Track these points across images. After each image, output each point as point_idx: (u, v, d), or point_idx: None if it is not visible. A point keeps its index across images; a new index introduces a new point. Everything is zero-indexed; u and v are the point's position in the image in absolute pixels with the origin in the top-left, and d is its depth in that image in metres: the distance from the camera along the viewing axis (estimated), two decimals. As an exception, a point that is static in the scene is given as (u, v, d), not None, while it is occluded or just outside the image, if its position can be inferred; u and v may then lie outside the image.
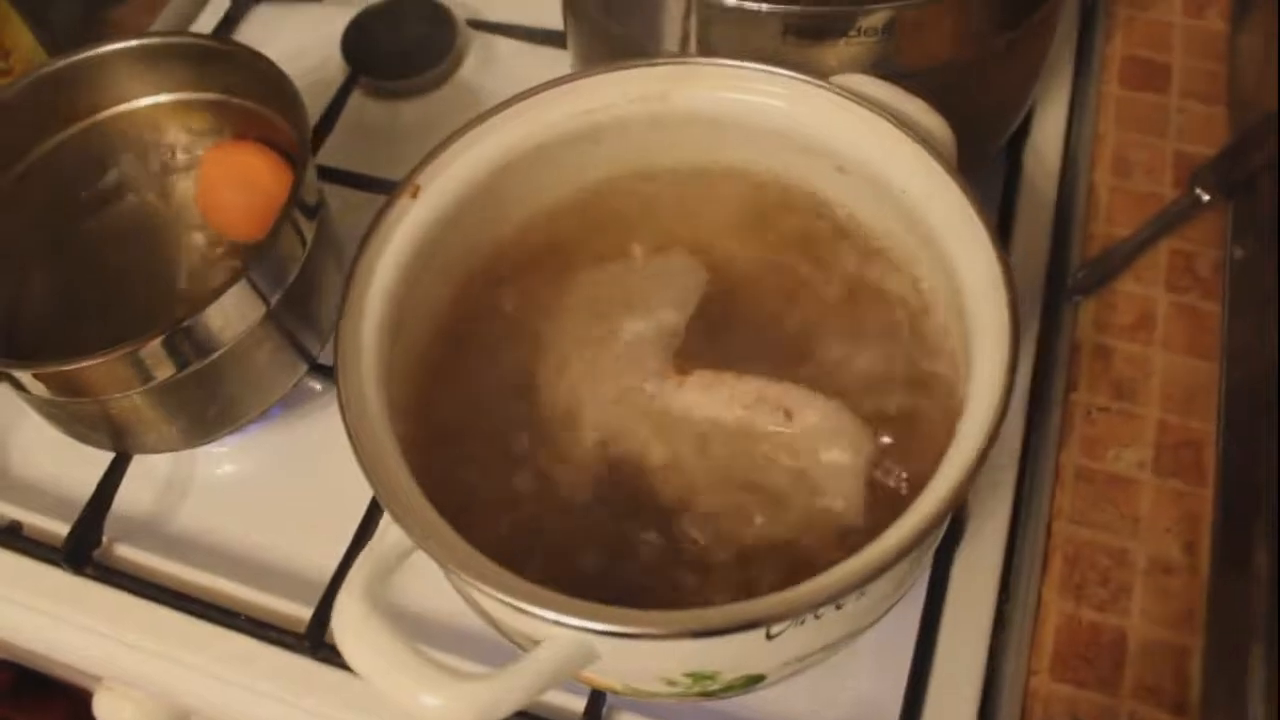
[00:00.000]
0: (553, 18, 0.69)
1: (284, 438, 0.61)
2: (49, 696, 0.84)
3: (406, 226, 0.45)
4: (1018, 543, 0.53)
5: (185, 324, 0.49)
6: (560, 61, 0.69)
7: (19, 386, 0.51)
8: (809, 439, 0.44)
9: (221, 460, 0.61)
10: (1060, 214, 0.62)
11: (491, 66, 0.73)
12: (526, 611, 0.36)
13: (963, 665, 0.50)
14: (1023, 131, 0.65)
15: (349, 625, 0.39)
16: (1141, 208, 0.61)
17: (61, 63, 0.57)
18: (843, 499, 0.43)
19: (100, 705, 0.63)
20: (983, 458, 0.37)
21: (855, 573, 0.36)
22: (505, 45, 0.73)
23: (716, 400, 0.46)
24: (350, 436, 0.39)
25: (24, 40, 0.65)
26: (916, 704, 0.49)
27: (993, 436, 0.38)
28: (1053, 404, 0.56)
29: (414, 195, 0.45)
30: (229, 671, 0.53)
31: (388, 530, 0.40)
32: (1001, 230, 0.61)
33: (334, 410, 0.59)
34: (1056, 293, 0.59)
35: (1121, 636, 0.49)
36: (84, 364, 0.49)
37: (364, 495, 0.55)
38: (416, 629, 0.51)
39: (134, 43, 0.57)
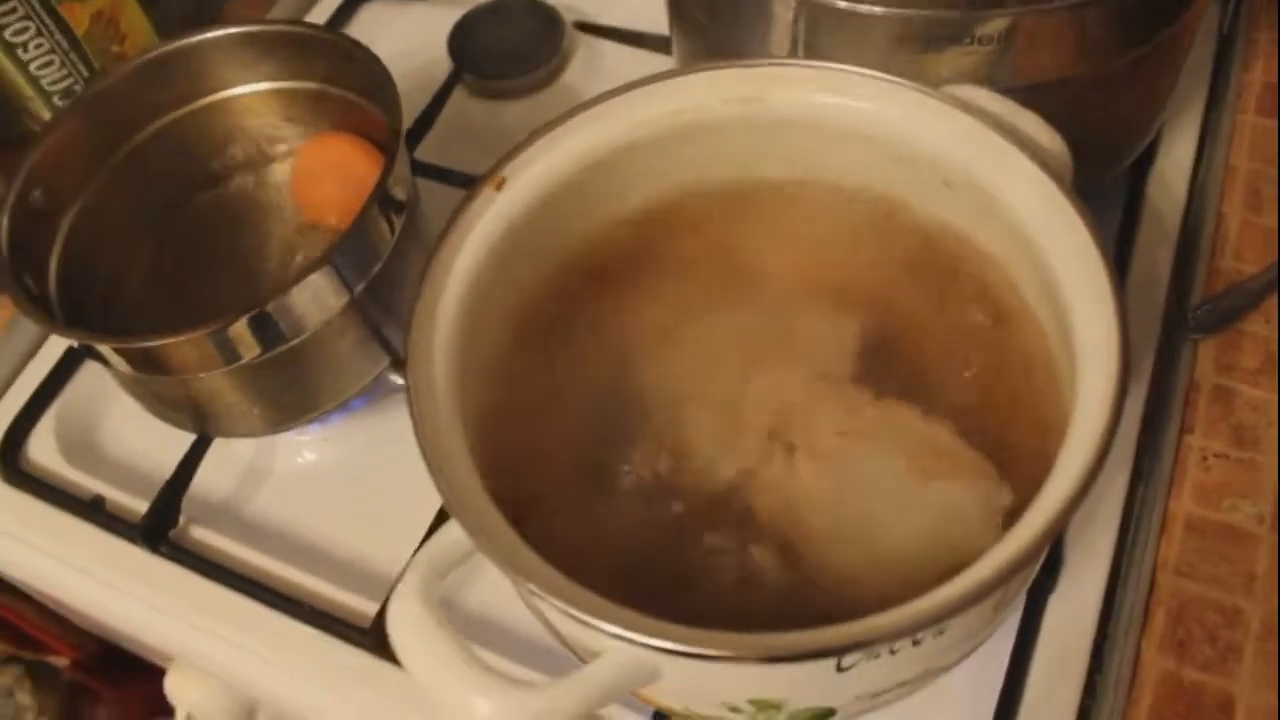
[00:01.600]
0: (660, 22, 0.68)
1: (365, 430, 0.61)
2: (134, 671, 0.85)
3: (489, 218, 0.44)
4: (1117, 592, 0.50)
5: (267, 306, 0.49)
6: (664, 65, 0.67)
7: (103, 360, 0.51)
8: (942, 484, 0.42)
9: (302, 449, 0.61)
10: (1183, 246, 0.59)
11: (596, 70, 0.72)
12: (586, 623, 0.35)
13: (1052, 718, 0.47)
14: (1147, 157, 0.61)
15: (403, 622, 0.38)
16: (1272, 244, 0.57)
17: (168, 47, 0.57)
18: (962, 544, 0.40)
19: (171, 683, 0.64)
20: (1080, 496, 0.35)
21: (934, 608, 0.34)
22: (611, 49, 0.73)
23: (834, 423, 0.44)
24: (416, 431, 0.38)
25: (140, 26, 0.67)
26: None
27: (1092, 474, 0.35)
28: (1165, 446, 0.52)
29: (498, 187, 0.44)
30: (291, 660, 0.53)
31: (449, 529, 0.39)
32: (1119, 259, 0.57)
33: (414, 405, 0.60)
34: (1175, 329, 0.56)
35: (1228, 701, 0.45)
36: (164, 341, 0.49)
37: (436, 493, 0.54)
38: (475, 631, 0.51)
39: (238, 30, 0.58)
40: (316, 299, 0.50)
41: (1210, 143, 0.62)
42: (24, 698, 0.88)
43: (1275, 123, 0.60)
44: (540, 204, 0.45)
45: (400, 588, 0.38)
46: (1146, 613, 0.48)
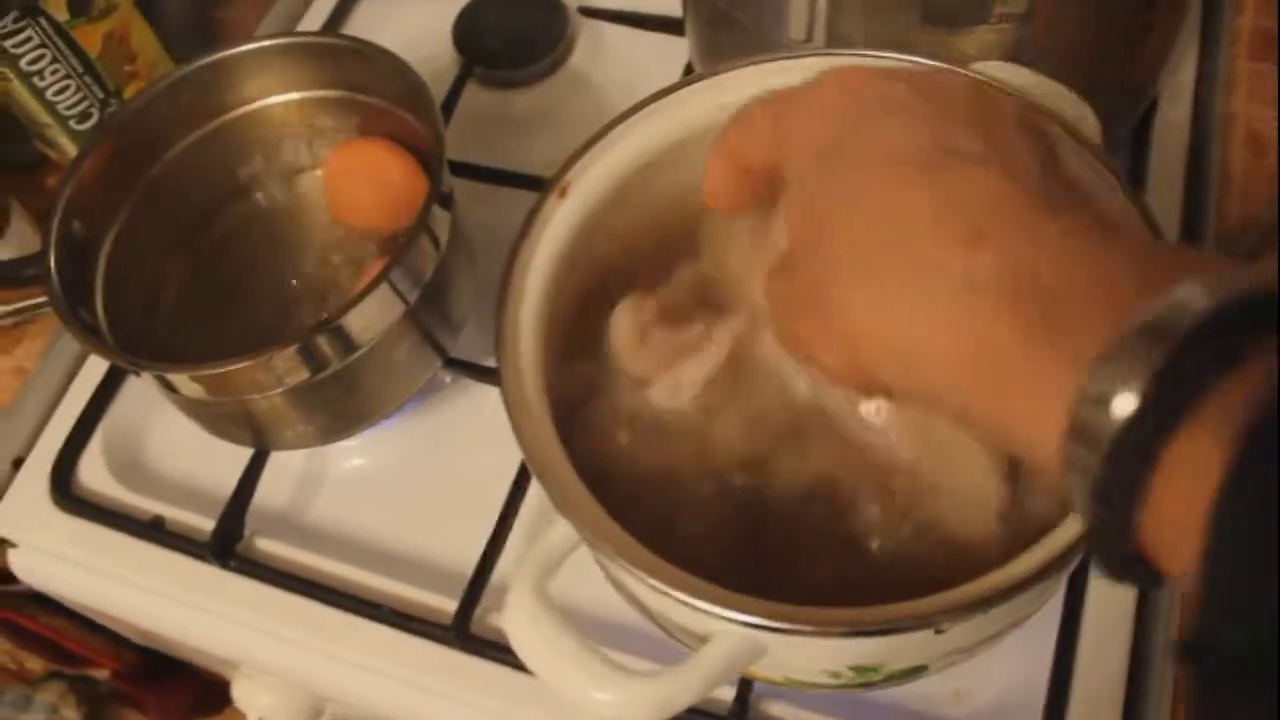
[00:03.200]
0: (665, 4, 0.69)
1: (415, 430, 0.62)
2: (173, 677, 0.87)
3: (556, 226, 0.45)
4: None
5: (329, 326, 0.50)
6: (673, 48, 0.69)
7: (169, 387, 0.52)
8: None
9: (353, 453, 0.62)
10: (1191, 195, 0.61)
11: (603, 54, 0.73)
12: (701, 609, 0.37)
13: (1109, 641, 0.50)
14: (1150, 110, 0.63)
15: (522, 621, 0.39)
16: (1275, 185, 0.59)
17: (194, 65, 0.58)
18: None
19: (239, 691, 0.65)
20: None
21: (1033, 568, 0.36)
22: (616, 32, 0.73)
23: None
24: (521, 444, 0.40)
25: (149, 43, 0.66)
26: (1063, 683, 0.49)
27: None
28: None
29: (562, 195, 0.45)
30: (375, 662, 0.55)
31: (554, 527, 0.41)
32: (1132, 212, 0.60)
33: (465, 401, 0.61)
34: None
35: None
36: (231, 367, 0.50)
37: (498, 486, 0.56)
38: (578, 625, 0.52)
39: (262, 43, 0.58)
40: (375, 314, 0.51)
41: (1207, 91, 0.65)
42: (69, 712, 0.88)
43: (1270, 66, 0.63)
44: (603, 206, 0.46)
45: (515, 587, 0.40)
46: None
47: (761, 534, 0.44)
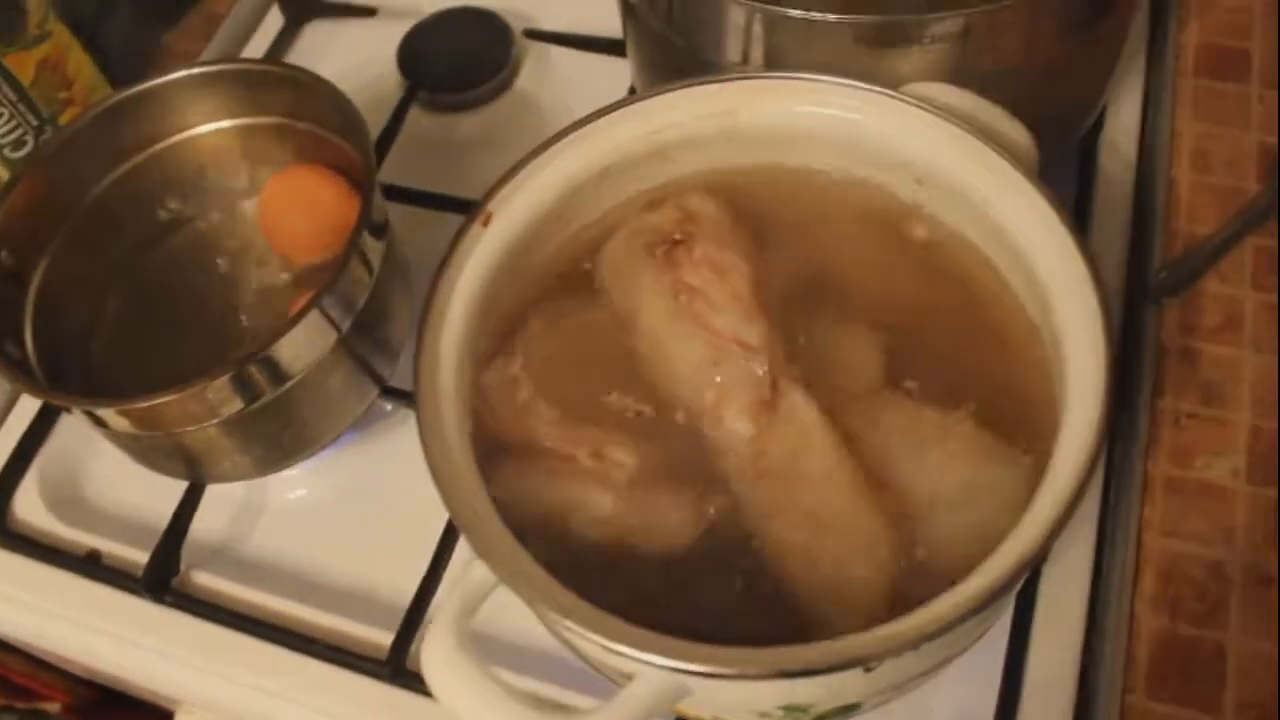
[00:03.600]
0: (609, 26, 0.69)
1: (355, 460, 0.61)
2: (129, 710, 0.85)
3: (480, 254, 0.45)
4: (1106, 556, 0.52)
5: (259, 356, 0.49)
6: (618, 70, 0.68)
7: (98, 422, 0.51)
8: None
9: (294, 484, 0.61)
10: (1139, 213, 0.61)
11: (548, 76, 0.72)
12: (624, 655, 0.36)
13: (1055, 680, 0.49)
14: (1096, 127, 0.63)
15: (438, 663, 0.39)
16: (1224, 203, 0.59)
17: (126, 93, 0.57)
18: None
19: (181, 725, 0.64)
20: (1082, 487, 0.36)
21: (963, 604, 0.36)
22: (561, 54, 0.73)
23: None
24: (435, 479, 0.39)
25: (86, 69, 0.66)
26: (1009, 714, 0.48)
27: (1093, 462, 0.37)
28: (1139, 410, 0.54)
29: (485, 223, 0.45)
30: (310, 698, 0.53)
31: (474, 566, 0.40)
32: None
33: (405, 430, 0.60)
34: (1138, 295, 0.58)
35: (1220, 652, 0.48)
36: (159, 400, 0.48)
37: (439, 516, 0.54)
38: (506, 656, 0.52)
39: (195, 70, 0.57)
40: (307, 343, 0.50)
41: (1154, 107, 0.64)
42: (19, 746, 0.87)
43: (1216, 83, 0.62)
44: (526, 234, 0.46)
45: (433, 630, 0.39)
46: (1136, 574, 0.50)
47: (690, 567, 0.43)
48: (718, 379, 0.43)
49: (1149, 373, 0.55)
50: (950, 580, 0.37)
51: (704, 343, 0.44)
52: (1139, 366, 0.56)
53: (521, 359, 0.46)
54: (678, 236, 0.46)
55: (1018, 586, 0.37)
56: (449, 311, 0.43)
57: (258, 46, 0.75)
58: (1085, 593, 0.51)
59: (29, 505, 0.61)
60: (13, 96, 0.61)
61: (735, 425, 0.43)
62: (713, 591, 0.42)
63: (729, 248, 0.47)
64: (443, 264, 0.43)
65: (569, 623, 0.36)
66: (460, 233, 0.44)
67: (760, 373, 0.43)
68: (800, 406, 0.43)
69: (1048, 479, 0.38)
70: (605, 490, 0.43)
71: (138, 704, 0.82)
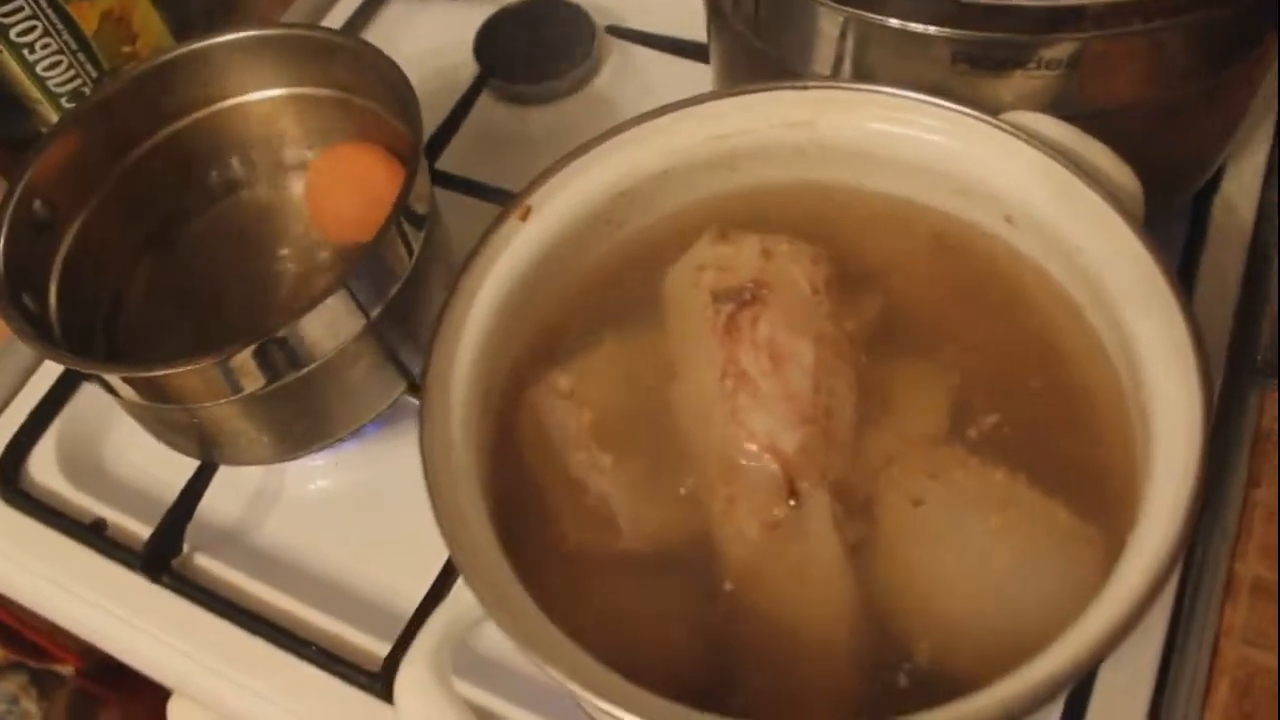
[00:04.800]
0: (695, 28, 0.65)
1: (379, 456, 0.58)
2: (141, 679, 0.83)
3: (514, 250, 0.41)
4: (1174, 660, 0.46)
5: (279, 334, 0.46)
6: (701, 75, 0.64)
7: (108, 388, 0.49)
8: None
9: (314, 475, 0.58)
10: (1249, 283, 0.55)
11: (628, 76, 0.69)
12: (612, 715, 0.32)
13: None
14: (1213, 184, 0.58)
15: (411, 695, 0.35)
16: (1347, 280, 0.53)
17: (180, 51, 0.55)
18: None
19: (174, 710, 0.62)
20: (1160, 583, 0.32)
21: (1021, 694, 0.31)
22: (644, 55, 0.69)
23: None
24: (430, 491, 0.35)
25: (153, 24, 0.64)
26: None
27: (1175, 556, 0.32)
28: (1228, 502, 0.49)
29: (524, 217, 0.41)
30: (295, 703, 0.51)
31: (462, 594, 0.36)
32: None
33: (431, 432, 0.57)
34: (1241, 372, 0.52)
35: (1298, 784, 0.42)
36: (170, 370, 0.46)
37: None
38: (496, 679, 0.48)
39: (255, 33, 0.55)
40: (331, 325, 0.47)
41: (1278, 171, 0.59)
42: (29, 705, 0.86)
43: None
44: (568, 232, 0.42)
45: (411, 654, 0.36)
46: (1209, 684, 0.45)
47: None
48: (736, 482, 0.39)
49: (1244, 458, 0.50)
50: (988, 673, 0.32)
51: (735, 440, 0.39)
52: (1233, 450, 0.50)
53: (575, 379, 0.42)
54: (747, 295, 0.41)
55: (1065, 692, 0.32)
56: (474, 305, 0.40)
57: (335, 20, 0.73)
58: (1146, 705, 0.45)
59: (43, 466, 0.59)
60: (73, 45, 0.60)
61: (742, 530, 0.38)
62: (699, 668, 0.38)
63: (799, 329, 0.41)
64: (471, 255, 0.40)
65: (554, 672, 0.32)
66: (494, 225, 0.41)
67: (782, 486, 0.39)
68: (814, 527, 0.38)
69: (1121, 567, 0.34)
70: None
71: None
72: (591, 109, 0.68)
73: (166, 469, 0.58)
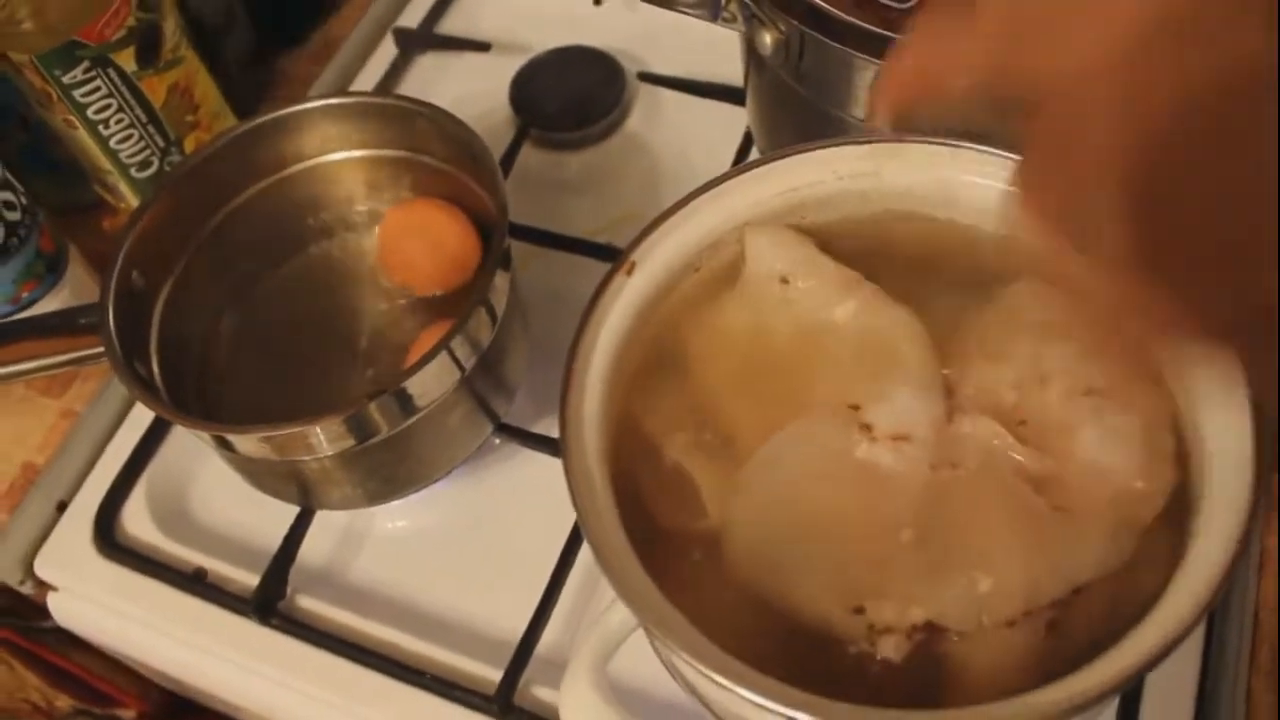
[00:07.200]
0: (722, 71, 0.70)
1: (459, 493, 0.61)
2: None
3: (623, 304, 0.45)
4: (1216, 629, 0.52)
5: (387, 393, 0.49)
6: (731, 116, 0.69)
7: (225, 445, 0.52)
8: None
9: (396, 514, 0.61)
10: None
11: (660, 120, 0.73)
12: (777, 712, 0.36)
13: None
14: None
15: (577, 709, 0.39)
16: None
17: (259, 120, 0.58)
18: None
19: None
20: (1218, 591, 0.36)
21: (1106, 683, 0.36)
22: (673, 98, 0.73)
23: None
24: (586, 534, 0.39)
25: (211, 94, 0.67)
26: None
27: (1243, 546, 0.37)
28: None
29: (629, 272, 0.45)
30: (415, 730, 0.54)
31: (613, 611, 0.40)
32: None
33: (512, 465, 0.61)
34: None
35: (1339, 733, 0.48)
36: (289, 430, 0.49)
37: (546, 553, 0.55)
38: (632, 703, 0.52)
39: (329, 101, 0.58)
40: (432, 382, 0.51)
41: None
42: (92, 751, 0.88)
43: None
44: (665, 282, 0.46)
45: (571, 671, 0.40)
46: (1253, 651, 0.50)
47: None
48: None
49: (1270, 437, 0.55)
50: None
51: None
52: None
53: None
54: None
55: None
56: (593, 359, 0.44)
57: (369, 77, 0.76)
58: (1197, 668, 0.51)
59: (137, 520, 0.62)
60: (144, 118, 0.63)
61: None
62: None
63: None
64: (588, 312, 0.44)
65: (719, 677, 0.36)
66: (605, 282, 0.45)
67: None
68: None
69: (1190, 558, 0.38)
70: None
71: (208, 711, 0.83)
72: (626, 152, 0.72)
73: (255, 515, 0.61)
